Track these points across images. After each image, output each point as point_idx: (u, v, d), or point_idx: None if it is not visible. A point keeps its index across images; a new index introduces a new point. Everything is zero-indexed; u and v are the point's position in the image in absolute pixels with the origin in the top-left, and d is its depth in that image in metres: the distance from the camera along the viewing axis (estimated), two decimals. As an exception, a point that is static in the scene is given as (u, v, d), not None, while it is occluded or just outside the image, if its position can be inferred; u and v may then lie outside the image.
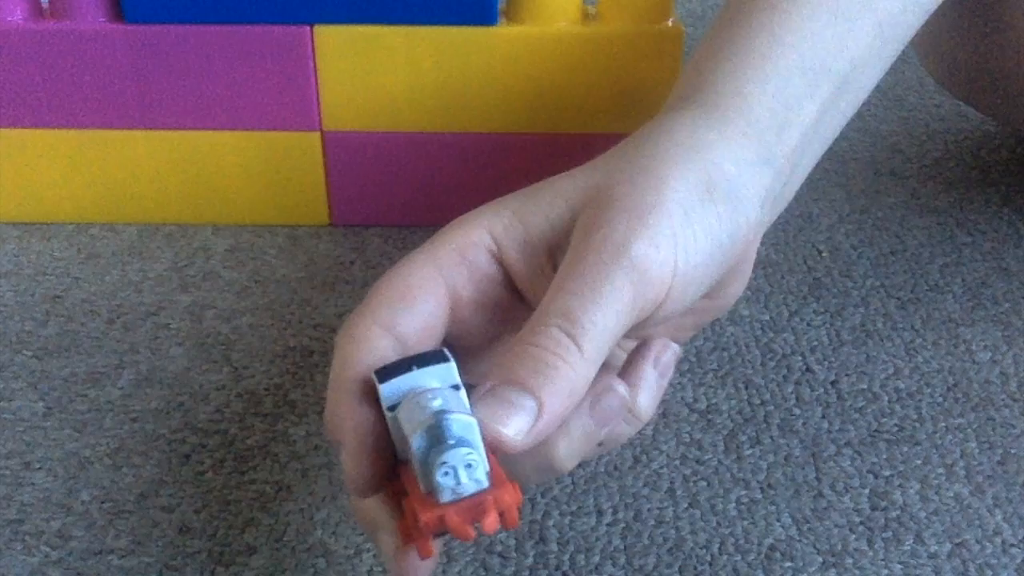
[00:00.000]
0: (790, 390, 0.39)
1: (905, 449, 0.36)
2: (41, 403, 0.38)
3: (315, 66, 0.47)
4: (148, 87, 0.47)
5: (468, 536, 0.25)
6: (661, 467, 0.35)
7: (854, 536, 0.33)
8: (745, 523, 0.33)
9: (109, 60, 0.47)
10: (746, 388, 0.39)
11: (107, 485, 0.35)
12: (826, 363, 0.40)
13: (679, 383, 0.39)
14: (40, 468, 0.35)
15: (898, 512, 0.33)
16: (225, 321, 0.43)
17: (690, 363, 0.40)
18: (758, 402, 0.38)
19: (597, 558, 0.32)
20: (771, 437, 0.37)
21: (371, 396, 0.28)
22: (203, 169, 0.49)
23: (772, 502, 0.34)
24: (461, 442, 0.25)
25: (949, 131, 0.61)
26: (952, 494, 0.34)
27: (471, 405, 0.26)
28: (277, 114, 0.48)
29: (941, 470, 0.35)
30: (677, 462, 0.36)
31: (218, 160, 0.49)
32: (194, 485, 0.35)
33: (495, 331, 0.31)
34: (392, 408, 0.27)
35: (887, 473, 0.35)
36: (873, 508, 0.34)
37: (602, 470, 0.35)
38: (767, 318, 0.43)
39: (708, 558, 0.32)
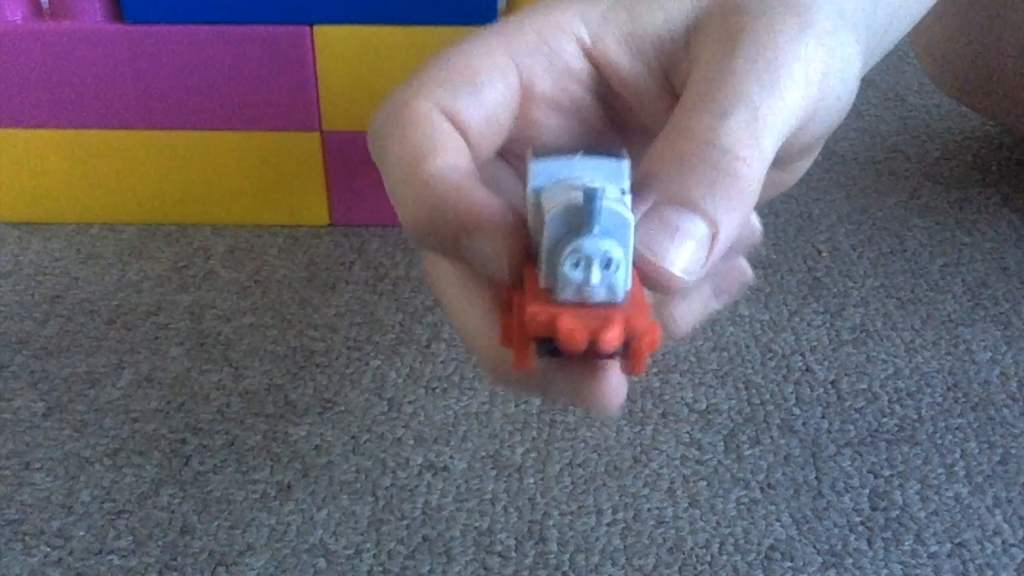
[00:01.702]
0: (790, 390, 0.39)
1: (905, 449, 0.36)
2: (41, 403, 0.38)
3: (315, 66, 0.47)
4: (148, 87, 0.47)
5: (577, 346, 0.20)
6: (661, 467, 0.35)
7: (854, 536, 0.33)
8: (745, 523, 0.33)
9: (109, 60, 0.47)
10: (746, 388, 0.39)
11: (107, 485, 0.35)
12: (826, 363, 0.40)
13: (679, 383, 0.39)
14: (40, 468, 0.35)
15: (898, 512, 0.33)
16: (225, 321, 0.43)
17: (690, 363, 0.40)
18: (758, 402, 0.38)
19: (597, 558, 0.32)
20: (771, 437, 0.37)
21: (479, 181, 0.23)
22: (203, 169, 0.49)
23: (772, 502, 0.34)
24: (607, 234, 0.20)
25: (949, 131, 0.61)
26: (952, 494, 0.34)
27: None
28: (277, 114, 0.48)
29: (941, 470, 0.35)
30: (677, 462, 0.36)
31: (218, 160, 0.49)
32: (194, 485, 0.35)
33: (571, 142, 0.26)
34: (537, 191, 0.22)
35: (887, 473, 0.35)
36: (873, 508, 0.34)
37: (602, 470, 0.35)
38: (767, 318, 0.43)
39: (708, 558, 0.32)
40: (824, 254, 0.48)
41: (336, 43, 0.46)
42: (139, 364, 0.41)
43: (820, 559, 0.32)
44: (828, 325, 0.43)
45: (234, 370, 0.40)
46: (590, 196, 0.20)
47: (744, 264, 0.24)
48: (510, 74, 0.24)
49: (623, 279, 0.20)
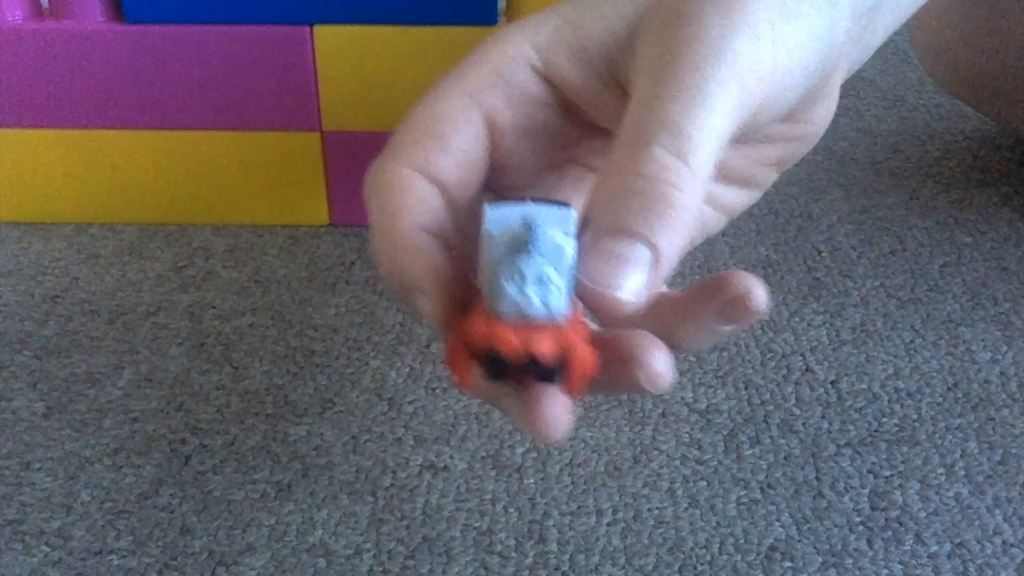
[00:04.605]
0: (790, 390, 0.39)
1: (905, 449, 0.36)
2: (41, 403, 0.38)
3: (315, 66, 0.47)
4: (148, 87, 0.47)
5: (514, 353, 0.22)
6: (661, 467, 0.35)
7: (854, 536, 0.33)
8: (745, 523, 0.33)
9: (109, 60, 0.47)
10: (746, 388, 0.39)
11: (107, 485, 0.35)
12: (826, 363, 0.40)
13: (679, 383, 0.39)
14: (40, 468, 0.35)
15: (898, 512, 0.33)
16: (225, 321, 0.43)
17: (690, 363, 0.40)
18: (758, 402, 0.38)
19: (597, 558, 0.32)
20: (771, 437, 0.37)
21: (437, 242, 0.25)
22: (203, 169, 0.49)
23: (772, 502, 0.34)
24: (544, 257, 0.22)
25: (949, 131, 0.61)
26: (952, 494, 0.34)
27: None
28: (277, 114, 0.48)
29: (941, 470, 0.35)
30: (677, 462, 0.36)
31: (218, 160, 0.49)
32: (194, 485, 0.35)
33: (547, 159, 0.28)
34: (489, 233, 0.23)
35: (887, 473, 0.35)
36: (873, 508, 0.34)
37: (602, 470, 0.35)
38: (767, 318, 0.43)
39: (708, 558, 0.32)
40: (824, 254, 0.48)
41: (336, 43, 0.46)
42: (139, 364, 0.41)
43: (820, 559, 0.32)
44: (828, 325, 0.43)
45: (234, 370, 0.40)
46: (528, 222, 0.22)
47: (751, 285, 0.24)
48: (474, 115, 0.26)
49: (558, 298, 0.22)
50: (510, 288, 0.22)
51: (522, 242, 0.22)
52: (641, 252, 0.22)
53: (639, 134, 0.23)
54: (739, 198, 0.32)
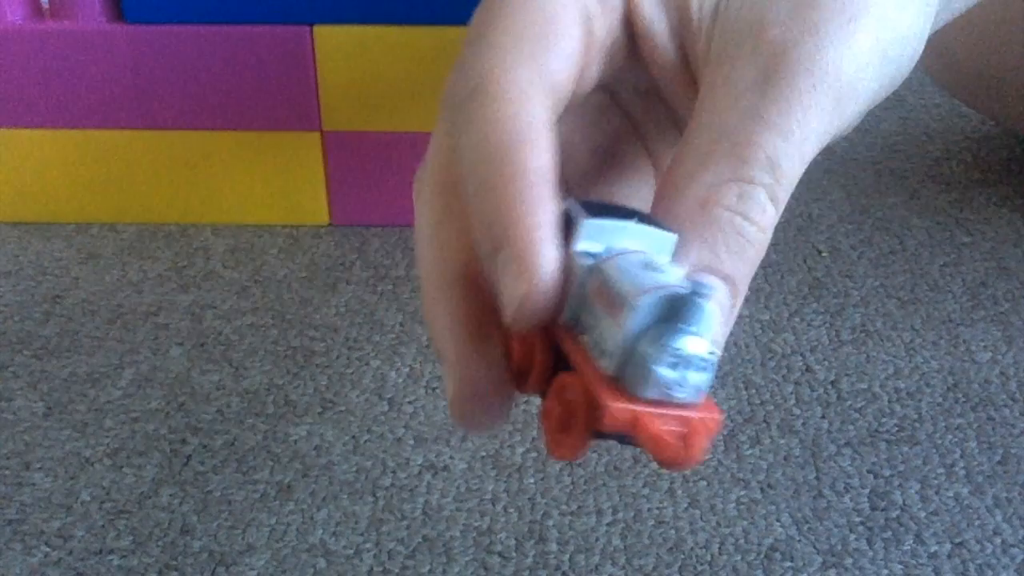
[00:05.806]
0: (790, 390, 0.39)
1: (905, 449, 0.36)
2: (41, 403, 0.38)
3: (315, 66, 0.47)
4: (148, 87, 0.47)
5: (670, 453, 0.18)
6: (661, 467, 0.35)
7: (854, 536, 0.33)
8: (745, 523, 0.33)
9: (109, 60, 0.47)
10: (746, 388, 0.39)
11: (107, 485, 0.35)
12: (826, 363, 0.40)
13: (679, 383, 0.39)
14: (40, 468, 0.35)
15: (898, 512, 0.33)
16: (225, 321, 0.43)
17: (690, 363, 0.40)
18: (758, 402, 0.38)
19: (597, 558, 0.32)
20: (771, 437, 0.37)
21: (546, 199, 0.20)
22: (203, 169, 0.49)
23: (772, 502, 0.34)
24: (705, 336, 0.18)
25: (949, 131, 0.61)
26: (952, 494, 0.34)
27: None
28: (277, 114, 0.48)
29: (941, 470, 0.35)
30: (677, 462, 0.36)
31: (218, 160, 0.49)
32: (194, 485, 0.35)
33: (602, 79, 0.25)
34: (590, 254, 0.20)
35: (887, 473, 0.35)
36: (873, 508, 0.34)
37: (602, 470, 0.35)
38: (767, 318, 0.43)
39: (708, 558, 0.32)
40: (824, 254, 0.48)
41: (336, 43, 0.46)
42: (139, 364, 0.41)
43: (820, 559, 0.32)
44: (828, 325, 0.43)
45: (234, 370, 0.40)
46: (694, 293, 0.18)
47: None
48: (578, 18, 0.23)
49: (709, 382, 0.19)
50: (667, 376, 0.18)
51: (680, 313, 0.18)
52: (727, 297, 0.21)
53: (741, 164, 0.22)
54: None
